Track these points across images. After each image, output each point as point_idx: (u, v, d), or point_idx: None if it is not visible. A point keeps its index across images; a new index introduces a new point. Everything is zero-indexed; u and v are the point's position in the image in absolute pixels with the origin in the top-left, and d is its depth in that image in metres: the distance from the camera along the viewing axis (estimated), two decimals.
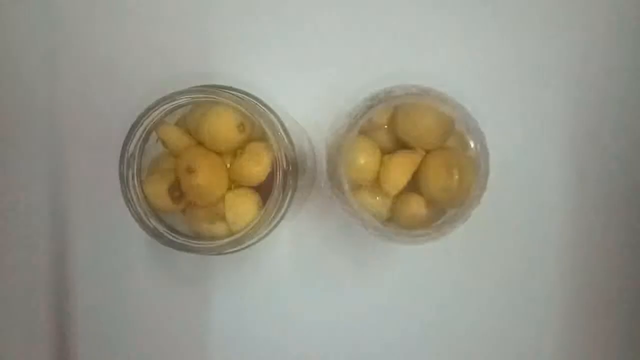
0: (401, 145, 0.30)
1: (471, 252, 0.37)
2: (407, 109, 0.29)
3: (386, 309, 0.37)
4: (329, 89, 0.36)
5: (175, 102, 0.28)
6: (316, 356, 0.37)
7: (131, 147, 0.29)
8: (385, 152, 0.30)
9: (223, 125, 0.29)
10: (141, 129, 0.29)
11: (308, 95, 0.37)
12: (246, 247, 0.29)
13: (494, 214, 0.36)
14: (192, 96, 0.28)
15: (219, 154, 0.30)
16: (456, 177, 0.29)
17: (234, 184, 0.30)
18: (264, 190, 0.29)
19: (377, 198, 0.30)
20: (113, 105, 0.37)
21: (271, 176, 0.29)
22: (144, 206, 0.29)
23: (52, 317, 0.38)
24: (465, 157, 0.30)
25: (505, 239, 0.37)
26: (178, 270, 0.38)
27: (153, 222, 0.29)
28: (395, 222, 0.30)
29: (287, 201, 0.29)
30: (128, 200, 0.29)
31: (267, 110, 0.29)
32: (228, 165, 0.30)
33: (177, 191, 0.29)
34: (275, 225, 0.30)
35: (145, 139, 0.30)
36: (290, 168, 0.29)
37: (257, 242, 0.30)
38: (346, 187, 0.28)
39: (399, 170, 0.29)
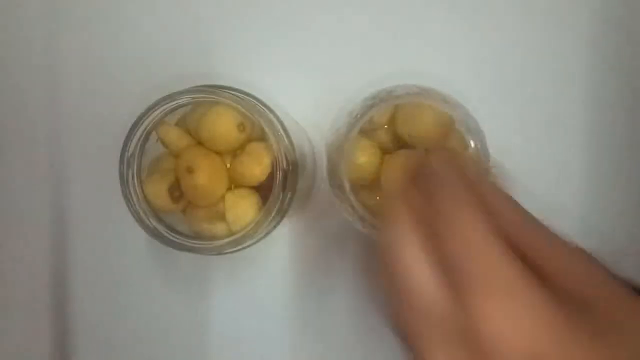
0: (401, 144, 0.30)
1: None
2: (407, 109, 0.29)
3: (385, 307, 0.37)
4: (329, 89, 0.36)
5: (175, 102, 0.28)
6: (316, 356, 0.37)
7: (131, 147, 0.29)
8: (386, 151, 0.30)
9: (223, 125, 0.29)
10: (141, 129, 0.29)
11: (308, 95, 0.37)
12: (246, 247, 0.29)
13: None
14: (192, 96, 0.28)
15: (219, 154, 0.30)
16: None
17: (234, 184, 0.30)
18: (264, 190, 0.29)
19: (377, 198, 0.30)
20: (113, 105, 0.37)
21: (271, 176, 0.29)
22: (144, 206, 0.29)
23: (52, 316, 0.38)
24: (465, 157, 0.30)
25: None
26: (178, 270, 0.38)
27: (153, 222, 0.29)
28: None
29: (287, 201, 0.29)
30: (128, 200, 0.29)
31: (267, 110, 0.29)
32: (228, 165, 0.30)
33: (177, 191, 0.29)
34: (275, 226, 0.30)
35: (145, 139, 0.30)
36: (290, 168, 0.29)
37: (257, 242, 0.30)
38: (346, 186, 0.28)
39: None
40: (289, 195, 0.29)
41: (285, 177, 0.28)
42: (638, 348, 0.17)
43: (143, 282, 0.38)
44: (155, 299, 0.38)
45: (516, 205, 0.20)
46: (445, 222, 0.19)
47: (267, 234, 0.30)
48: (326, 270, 0.37)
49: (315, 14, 0.37)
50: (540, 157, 0.37)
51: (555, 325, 0.17)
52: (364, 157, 0.29)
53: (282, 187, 0.28)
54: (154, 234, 0.29)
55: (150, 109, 0.28)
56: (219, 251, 0.29)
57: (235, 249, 0.29)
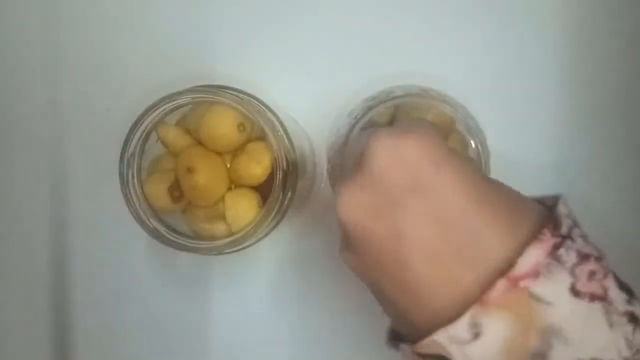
0: None
1: None
2: (407, 109, 0.29)
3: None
4: (329, 89, 0.36)
5: (175, 102, 0.28)
6: (316, 356, 0.37)
7: (131, 147, 0.29)
8: None
9: (223, 125, 0.29)
10: (141, 129, 0.29)
11: (308, 96, 0.37)
12: (246, 247, 0.29)
13: None
14: (192, 96, 0.28)
15: (219, 154, 0.30)
16: None
17: (234, 184, 0.30)
18: (264, 190, 0.29)
19: None
20: (113, 105, 0.37)
21: (271, 176, 0.29)
22: (144, 206, 0.29)
23: (52, 316, 0.38)
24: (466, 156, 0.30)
25: None
26: (178, 270, 0.38)
27: (153, 222, 0.29)
28: None
29: (287, 201, 0.29)
30: (128, 200, 0.29)
31: (267, 110, 0.29)
32: (228, 165, 0.30)
33: (177, 191, 0.29)
34: (275, 225, 0.30)
35: (145, 139, 0.30)
36: (290, 168, 0.29)
37: (257, 242, 0.30)
38: None
39: None
40: (289, 195, 0.29)
41: (285, 177, 0.28)
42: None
43: (143, 282, 0.38)
44: (155, 299, 0.38)
45: None
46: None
47: (267, 234, 0.30)
48: (326, 271, 0.37)
49: (316, 14, 0.37)
50: (540, 157, 0.37)
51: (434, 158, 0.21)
52: None
53: (282, 187, 0.28)
54: (154, 234, 0.29)
55: (150, 109, 0.28)
56: (219, 251, 0.29)
57: (235, 249, 0.29)
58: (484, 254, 0.20)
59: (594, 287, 0.20)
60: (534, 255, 0.20)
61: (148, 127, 0.29)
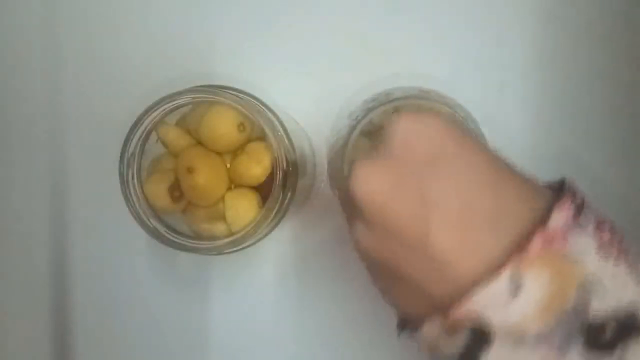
0: None
1: None
2: (407, 110, 0.29)
3: (385, 308, 0.37)
4: (330, 90, 0.36)
5: (175, 102, 0.28)
6: (316, 356, 0.37)
7: (131, 147, 0.29)
8: None
9: (223, 125, 0.29)
10: (141, 129, 0.29)
11: (308, 96, 0.37)
12: (246, 247, 0.29)
13: None
14: (192, 96, 0.28)
15: (219, 154, 0.30)
16: None
17: (234, 184, 0.30)
18: (264, 190, 0.29)
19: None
20: (113, 105, 0.37)
21: (271, 176, 0.29)
22: (144, 206, 0.29)
23: (52, 316, 0.38)
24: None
25: None
26: (178, 270, 0.38)
27: (153, 222, 0.29)
28: None
29: (287, 201, 0.29)
30: (128, 200, 0.29)
31: (266, 110, 0.29)
32: (228, 165, 0.30)
33: (177, 191, 0.29)
34: (275, 225, 0.30)
35: (145, 139, 0.30)
36: (290, 168, 0.29)
37: (257, 242, 0.30)
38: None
39: None
40: (289, 195, 0.29)
41: (285, 177, 0.28)
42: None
43: (143, 282, 0.38)
44: (155, 299, 0.38)
45: None
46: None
47: (267, 234, 0.30)
48: (326, 270, 0.37)
49: (316, 14, 0.37)
50: (540, 157, 0.37)
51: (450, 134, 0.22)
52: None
53: (282, 187, 0.28)
54: (154, 234, 0.29)
55: (150, 109, 0.28)
56: (219, 251, 0.29)
57: (235, 249, 0.29)
58: (513, 220, 0.21)
59: (614, 249, 0.21)
60: (561, 218, 0.20)
61: (148, 127, 0.29)
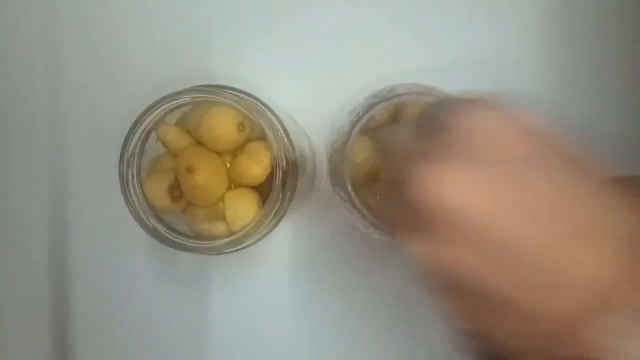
0: None
1: None
2: (408, 108, 0.29)
3: (385, 308, 0.37)
4: (330, 90, 0.36)
5: (175, 102, 0.28)
6: (316, 355, 0.37)
7: (131, 147, 0.29)
8: None
9: (223, 125, 0.29)
10: (141, 129, 0.29)
11: (308, 95, 0.37)
12: (246, 247, 0.29)
13: None
14: (192, 96, 0.28)
15: (219, 154, 0.29)
16: None
17: (234, 184, 0.30)
18: (264, 190, 0.29)
19: (378, 197, 0.30)
20: (113, 105, 0.37)
21: (271, 176, 0.29)
22: (144, 206, 0.29)
23: (52, 316, 0.38)
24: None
25: None
26: (178, 270, 0.38)
27: (153, 222, 0.29)
28: None
29: (287, 201, 0.29)
30: (128, 200, 0.29)
31: (266, 110, 0.29)
32: (228, 165, 0.30)
33: (177, 191, 0.29)
34: (275, 225, 0.30)
35: (145, 139, 0.30)
36: (290, 168, 0.29)
37: (257, 242, 0.30)
38: (348, 186, 0.28)
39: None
40: (289, 195, 0.29)
41: (285, 177, 0.28)
42: None
43: (143, 282, 0.38)
44: (155, 299, 0.38)
45: None
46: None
47: (267, 234, 0.30)
48: (326, 270, 0.37)
49: (316, 13, 0.37)
50: None
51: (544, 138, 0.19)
52: (366, 156, 0.29)
53: (282, 187, 0.28)
54: (154, 234, 0.29)
55: (150, 109, 0.28)
56: (219, 251, 0.29)
57: (235, 249, 0.29)
58: (612, 233, 0.18)
59: None
60: None
61: (148, 127, 0.29)
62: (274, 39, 0.37)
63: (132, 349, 0.38)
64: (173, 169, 0.29)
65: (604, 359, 0.17)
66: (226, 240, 0.29)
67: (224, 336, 0.37)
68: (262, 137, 0.29)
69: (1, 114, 0.38)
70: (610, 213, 0.18)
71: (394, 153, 0.27)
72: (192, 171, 0.28)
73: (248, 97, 0.29)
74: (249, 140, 0.30)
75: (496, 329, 0.19)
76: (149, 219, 0.29)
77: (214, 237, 0.29)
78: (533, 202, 0.18)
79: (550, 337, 0.18)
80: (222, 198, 0.29)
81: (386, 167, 0.28)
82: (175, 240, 0.29)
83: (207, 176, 0.29)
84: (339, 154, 0.29)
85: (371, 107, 0.28)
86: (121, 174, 0.29)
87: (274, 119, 0.29)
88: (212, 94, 0.28)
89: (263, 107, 0.29)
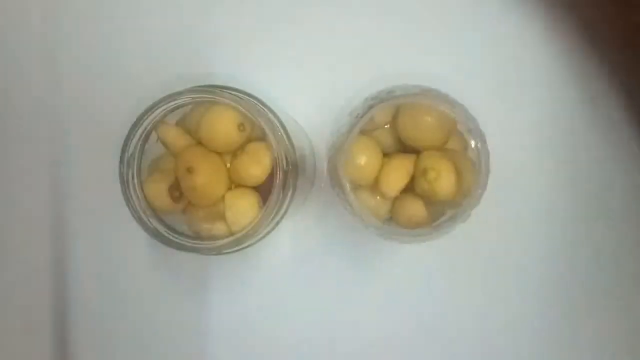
0: (402, 145, 0.30)
1: (471, 252, 0.37)
2: (408, 109, 0.29)
3: (386, 308, 0.37)
4: (330, 89, 0.36)
5: (175, 102, 0.28)
6: (316, 356, 0.37)
7: (131, 147, 0.29)
8: (387, 152, 0.30)
9: (223, 125, 0.29)
10: (141, 129, 0.29)
11: (308, 95, 0.37)
12: (246, 247, 0.29)
13: (494, 213, 0.35)
14: (192, 96, 0.28)
15: (219, 154, 0.30)
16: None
17: (234, 184, 0.30)
18: (264, 190, 0.29)
19: (377, 198, 0.30)
20: (113, 105, 0.37)
21: (271, 176, 0.29)
22: (144, 206, 0.29)
23: (52, 317, 0.38)
24: (465, 157, 0.30)
25: (506, 238, 0.37)
26: (178, 270, 0.38)
27: (153, 222, 0.29)
28: (395, 221, 0.30)
29: (287, 201, 0.29)
30: (128, 200, 0.29)
31: (267, 110, 0.29)
32: (228, 165, 0.30)
33: (177, 191, 0.29)
34: (275, 225, 0.30)
35: (145, 139, 0.30)
36: (290, 168, 0.29)
37: (257, 242, 0.30)
38: (347, 186, 0.28)
39: (397, 173, 0.29)
40: (289, 195, 0.29)
41: (285, 177, 0.28)
42: None
43: (143, 282, 0.38)
44: (155, 299, 0.38)
45: None
46: None
47: (267, 234, 0.30)
48: (326, 271, 0.37)
49: (316, 13, 0.37)
50: (541, 157, 0.37)
51: None
52: (365, 157, 0.29)
53: (282, 187, 0.28)
54: (154, 234, 0.29)
55: (150, 109, 0.28)
56: (219, 251, 0.29)
57: (235, 249, 0.29)
58: None
59: None
60: None
61: (148, 127, 0.29)
62: (274, 39, 0.37)
63: (132, 349, 0.38)
64: (173, 169, 0.29)
65: None
66: (226, 240, 0.29)
67: (223, 336, 0.37)
68: (262, 137, 0.29)
69: (1, 114, 0.38)
70: None
71: None
72: (192, 171, 0.28)
73: (248, 97, 0.29)
74: (249, 140, 0.30)
75: None
76: (149, 219, 0.29)
77: (214, 237, 0.29)
78: None
79: None
80: (222, 198, 0.29)
81: None
82: (175, 240, 0.29)
83: (207, 176, 0.29)
84: (338, 154, 0.29)
85: (370, 108, 0.28)
86: (121, 174, 0.29)
87: (274, 119, 0.29)
88: (212, 94, 0.28)
89: (263, 107, 0.29)
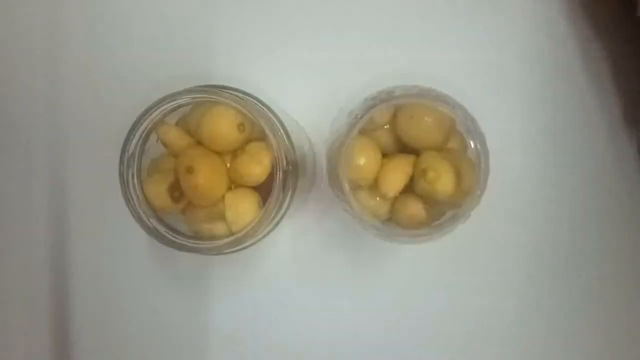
0: (402, 145, 0.30)
1: (471, 252, 0.37)
2: (408, 109, 0.29)
3: (386, 308, 0.37)
4: (329, 89, 0.36)
5: (175, 102, 0.28)
6: (316, 356, 0.37)
7: (131, 147, 0.29)
8: (386, 152, 0.30)
9: (223, 125, 0.29)
10: (141, 129, 0.29)
11: (308, 95, 0.37)
12: (246, 247, 0.29)
13: (494, 213, 0.36)
14: (193, 96, 0.28)
15: (219, 154, 0.30)
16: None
17: (234, 184, 0.30)
18: (264, 190, 0.29)
19: (377, 198, 0.30)
20: (113, 106, 0.37)
21: (271, 176, 0.29)
22: (144, 206, 0.29)
23: (52, 317, 0.38)
24: (465, 157, 0.30)
25: (506, 238, 0.37)
26: (178, 270, 0.38)
27: (153, 222, 0.29)
28: (394, 222, 0.30)
29: (287, 201, 0.29)
30: (128, 200, 0.29)
31: (267, 110, 0.29)
32: (228, 165, 0.30)
33: (177, 191, 0.29)
34: (276, 225, 0.30)
35: (145, 139, 0.30)
36: (290, 168, 0.29)
37: (257, 242, 0.30)
38: (346, 187, 0.28)
39: (396, 174, 0.29)
40: (289, 195, 0.29)
41: (285, 177, 0.28)
42: None
43: (143, 282, 0.38)
44: (155, 299, 0.38)
45: None
46: None
47: (267, 234, 0.30)
48: (326, 271, 0.37)
49: (316, 13, 0.37)
50: (541, 157, 0.37)
51: None
52: (364, 157, 0.29)
53: (282, 187, 0.28)
54: (154, 234, 0.29)
55: (150, 109, 0.28)
56: (219, 251, 0.29)
57: (235, 249, 0.29)
58: None
59: None
60: None
61: (148, 127, 0.29)
62: (274, 40, 0.37)
63: (132, 348, 0.38)
64: (173, 169, 0.29)
65: None
66: (226, 240, 0.29)
67: (224, 336, 0.37)
68: (262, 137, 0.29)
69: (1, 114, 0.38)
70: None
71: None
72: (192, 171, 0.28)
73: (248, 97, 0.29)
74: (249, 140, 0.30)
75: None
76: (149, 219, 0.29)
77: (214, 237, 0.29)
78: None
79: None
80: (222, 198, 0.29)
81: None
82: (175, 240, 0.29)
83: (207, 176, 0.29)
84: (337, 154, 0.29)
85: (369, 108, 0.28)
86: (121, 174, 0.29)
87: (274, 119, 0.29)
88: (212, 94, 0.28)
89: (263, 107, 0.29)
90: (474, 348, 0.37)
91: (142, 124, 0.28)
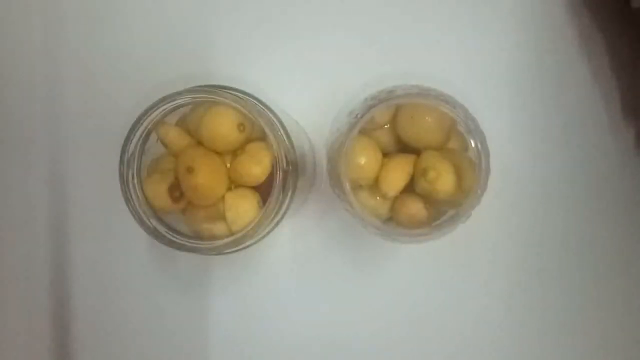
0: (402, 145, 0.30)
1: (471, 252, 0.37)
2: (408, 109, 0.29)
3: (386, 308, 0.37)
4: (329, 89, 0.36)
5: (175, 102, 0.28)
6: (316, 356, 0.37)
7: (131, 147, 0.29)
8: (386, 152, 0.30)
9: (223, 125, 0.29)
10: (141, 129, 0.29)
11: (308, 95, 0.37)
12: (246, 247, 0.29)
13: (494, 214, 0.35)
14: (192, 96, 0.28)
15: (219, 154, 0.30)
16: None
17: (234, 184, 0.30)
18: (264, 190, 0.29)
19: (377, 198, 0.30)
20: (113, 106, 0.37)
21: (271, 176, 0.29)
22: (144, 206, 0.29)
23: (52, 316, 0.38)
24: (466, 157, 0.30)
25: (506, 238, 0.37)
26: (178, 270, 0.38)
27: (153, 222, 0.29)
28: (395, 221, 0.30)
29: (287, 201, 0.29)
30: (128, 200, 0.29)
31: (267, 110, 0.29)
32: (228, 165, 0.30)
33: (177, 191, 0.29)
34: (275, 225, 0.30)
35: (145, 139, 0.30)
36: (290, 168, 0.29)
37: (257, 242, 0.30)
38: (346, 186, 0.28)
39: (396, 173, 0.29)
40: (289, 195, 0.29)
41: (285, 177, 0.28)
42: None
43: (143, 282, 0.38)
44: (155, 299, 0.38)
45: None
46: None
47: (267, 234, 0.30)
48: (326, 271, 0.37)
49: (316, 13, 0.37)
50: (541, 157, 0.37)
51: None
52: (364, 157, 0.29)
53: (282, 187, 0.28)
54: (154, 234, 0.29)
55: (150, 109, 0.28)
56: (219, 251, 0.29)
57: (235, 249, 0.29)
58: None
59: None
60: None
61: (148, 127, 0.29)
62: (274, 39, 0.37)
63: (132, 349, 0.38)
64: (173, 169, 0.29)
65: None
66: (226, 240, 0.29)
67: (224, 336, 0.37)
68: (262, 137, 0.29)
69: (1, 114, 0.38)
70: None
71: None
72: (192, 171, 0.28)
73: (248, 97, 0.29)
74: (249, 140, 0.30)
75: None
76: (149, 219, 0.29)
77: (214, 237, 0.29)
78: None
79: None
80: (222, 198, 0.29)
81: None
82: (175, 240, 0.29)
83: (207, 176, 0.29)
84: (337, 154, 0.29)
85: (370, 108, 0.28)
86: (121, 174, 0.29)
87: (274, 119, 0.29)
88: (212, 94, 0.28)
89: (263, 107, 0.29)
90: (474, 348, 0.37)
91: (142, 124, 0.28)
